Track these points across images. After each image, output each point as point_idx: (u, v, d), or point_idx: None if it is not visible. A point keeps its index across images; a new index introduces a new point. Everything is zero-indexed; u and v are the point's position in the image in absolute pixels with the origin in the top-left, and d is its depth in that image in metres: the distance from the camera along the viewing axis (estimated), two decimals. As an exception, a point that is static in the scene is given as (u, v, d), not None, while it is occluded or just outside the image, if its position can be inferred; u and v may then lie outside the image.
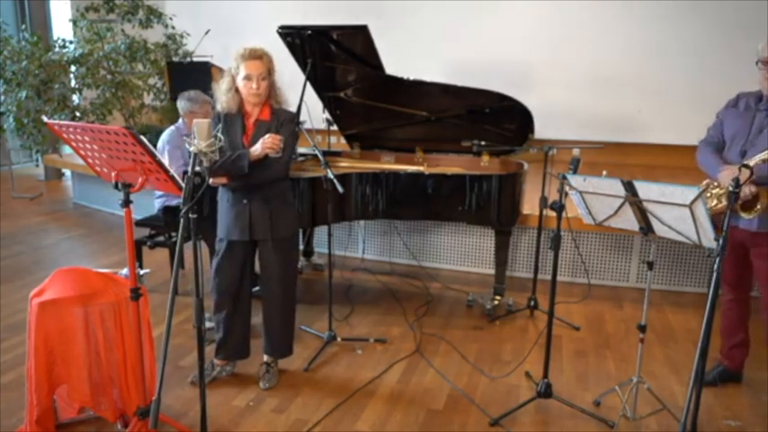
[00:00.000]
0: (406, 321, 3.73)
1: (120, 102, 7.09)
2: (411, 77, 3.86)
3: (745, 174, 1.97)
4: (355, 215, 3.81)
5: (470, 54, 7.26)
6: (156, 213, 4.06)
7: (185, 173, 2.09)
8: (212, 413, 2.64)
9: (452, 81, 3.95)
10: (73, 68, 6.92)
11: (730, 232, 2.44)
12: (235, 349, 3.01)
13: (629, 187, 2.21)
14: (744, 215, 2.55)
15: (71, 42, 7.07)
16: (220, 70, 3.64)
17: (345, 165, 4.20)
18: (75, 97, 7.09)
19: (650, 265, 2.57)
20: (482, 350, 3.38)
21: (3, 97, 6.75)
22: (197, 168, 2.02)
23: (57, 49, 6.91)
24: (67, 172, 7.85)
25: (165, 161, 2.27)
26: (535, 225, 3.86)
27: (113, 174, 2.21)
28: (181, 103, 3.86)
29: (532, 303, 3.84)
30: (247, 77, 2.67)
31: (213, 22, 7.66)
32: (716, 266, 1.88)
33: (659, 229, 2.28)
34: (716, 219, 2.19)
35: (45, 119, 2.59)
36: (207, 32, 7.31)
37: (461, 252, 4.72)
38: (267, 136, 2.63)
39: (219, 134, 2.07)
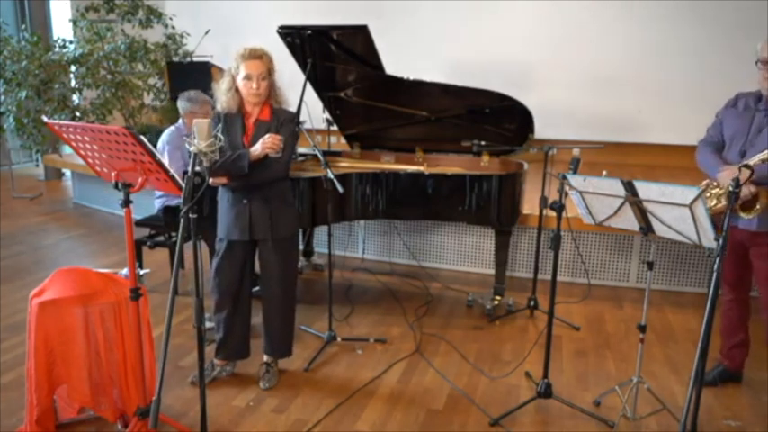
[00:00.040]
0: (406, 321, 3.73)
1: (120, 102, 7.09)
2: (411, 77, 3.86)
3: (746, 174, 1.96)
4: (355, 215, 3.81)
5: (470, 54, 7.25)
6: (156, 213, 4.06)
7: (185, 173, 2.09)
8: (212, 413, 2.64)
9: (452, 81, 3.95)
10: (73, 68, 6.92)
11: (730, 232, 2.44)
12: (235, 349, 3.01)
13: (629, 187, 2.21)
14: (743, 215, 2.55)
15: (71, 42, 7.07)
16: (220, 70, 3.64)
17: (345, 165, 4.20)
18: (75, 97, 7.10)
19: (650, 265, 2.57)
20: (482, 350, 3.38)
21: (3, 97, 6.75)
22: (197, 168, 2.03)
23: (57, 49, 6.91)
24: (67, 172, 7.85)
25: (165, 162, 2.26)
26: (535, 225, 3.86)
27: (113, 174, 2.21)
28: (181, 104, 3.86)
29: (532, 303, 3.84)
30: (247, 77, 2.67)
31: (213, 22, 7.67)
32: (716, 266, 1.88)
33: (659, 229, 2.28)
34: (715, 219, 2.19)
35: (45, 119, 2.59)
36: (207, 32, 7.32)
37: (461, 252, 4.72)
38: (267, 136, 2.63)
39: (219, 134, 2.07)
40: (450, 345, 3.43)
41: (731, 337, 2.95)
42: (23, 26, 7.90)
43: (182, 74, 6.74)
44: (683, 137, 5.06)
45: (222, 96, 2.74)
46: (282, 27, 3.67)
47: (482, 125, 4.00)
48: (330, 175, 3.07)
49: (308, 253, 4.79)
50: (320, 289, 4.36)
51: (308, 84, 3.80)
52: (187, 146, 2.02)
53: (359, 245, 5.00)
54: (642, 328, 2.60)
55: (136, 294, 2.31)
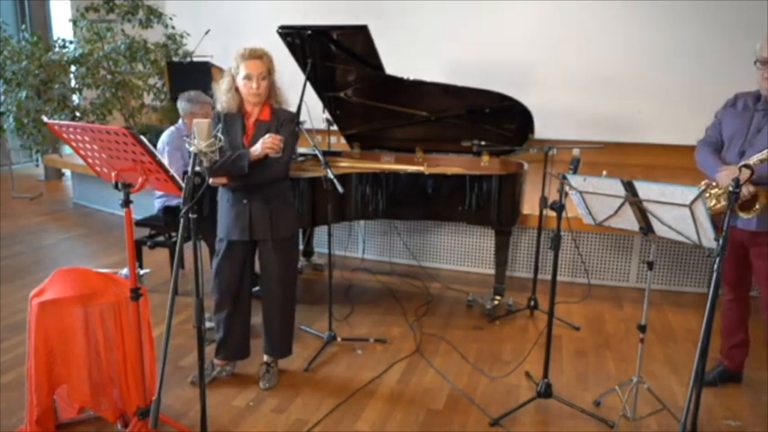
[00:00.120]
0: (406, 321, 3.73)
1: (120, 102, 7.09)
2: (411, 77, 3.86)
3: (746, 174, 1.97)
4: (355, 215, 3.81)
5: (470, 54, 7.26)
6: (156, 213, 4.06)
7: (185, 173, 2.09)
8: (212, 413, 2.64)
9: (452, 81, 3.95)
10: (73, 68, 6.92)
11: (730, 232, 2.44)
12: (235, 349, 3.01)
13: (629, 187, 2.21)
14: (742, 215, 2.55)
15: (71, 42, 7.07)
16: (220, 70, 3.64)
17: (345, 165, 4.20)
18: (75, 97, 7.10)
19: (650, 265, 2.57)
20: (482, 350, 3.38)
21: (3, 97, 6.75)
22: (197, 168, 2.03)
23: (57, 49, 6.91)
24: (67, 172, 7.85)
25: (165, 162, 2.27)
26: (535, 225, 3.87)
27: (113, 174, 2.21)
28: (181, 104, 3.85)
29: (532, 303, 3.84)
30: (247, 77, 2.67)
31: (213, 22, 7.67)
32: (716, 266, 1.88)
33: (659, 229, 2.28)
34: (715, 219, 2.19)
35: (45, 119, 2.59)
36: (207, 32, 7.32)
37: (461, 252, 4.72)
38: (267, 136, 2.63)
39: (219, 134, 2.07)
40: (450, 345, 3.43)
41: (731, 337, 2.95)
42: (23, 26, 7.90)
43: (182, 74, 6.74)
44: (683, 137, 5.06)
45: (222, 96, 2.74)
46: (282, 27, 3.67)
47: (482, 125, 4.00)
48: (330, 175, 3.07)
49: (308, 253, 4.79)
50: (320, 289, 4.36)
51: (308, 84, 3.80)
52: (187, 146, 2.02)
53: (359, 245, 5.00)
54: (642, 328, 2.60)
55: (136, 294, 2.31)
